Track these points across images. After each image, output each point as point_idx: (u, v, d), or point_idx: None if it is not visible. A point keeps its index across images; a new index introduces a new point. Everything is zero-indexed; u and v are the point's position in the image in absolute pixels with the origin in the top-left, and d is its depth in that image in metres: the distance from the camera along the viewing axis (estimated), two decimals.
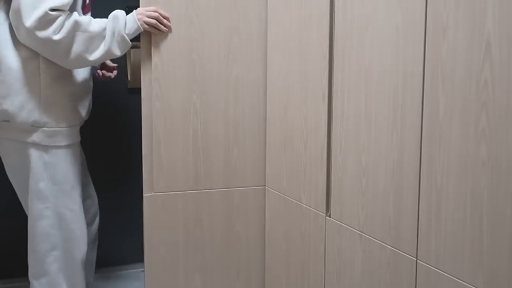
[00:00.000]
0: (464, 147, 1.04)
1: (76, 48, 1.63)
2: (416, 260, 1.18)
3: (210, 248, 1.79)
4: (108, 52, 1.66)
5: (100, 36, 1.65)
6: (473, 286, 1.04)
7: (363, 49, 1.31)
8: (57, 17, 1.58)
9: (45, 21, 1.57)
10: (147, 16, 1.65)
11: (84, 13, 1.78)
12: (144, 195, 1.70)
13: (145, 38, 1.68)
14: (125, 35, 1.65)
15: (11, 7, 1.61)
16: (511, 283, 0.96)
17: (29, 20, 1.56)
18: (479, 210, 1.02)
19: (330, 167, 1.47)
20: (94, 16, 1.74)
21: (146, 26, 1.65)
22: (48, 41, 1.59)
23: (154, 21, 1.65)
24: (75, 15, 1.63)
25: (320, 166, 1.50)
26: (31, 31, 1.57)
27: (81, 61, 1.66)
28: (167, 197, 1.72)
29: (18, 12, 1.58)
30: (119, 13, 1.67)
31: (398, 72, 1.20)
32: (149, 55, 1.67)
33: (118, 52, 1.67)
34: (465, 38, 1.03)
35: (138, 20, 1.65)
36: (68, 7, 1.61)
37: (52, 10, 1.57)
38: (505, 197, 0.96)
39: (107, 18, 1.67)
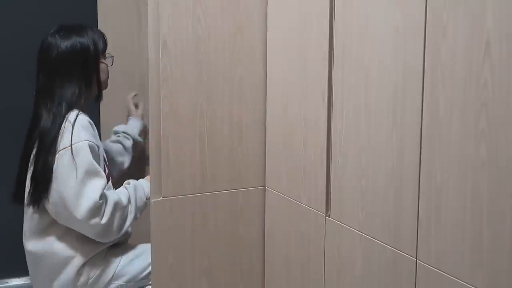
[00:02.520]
0: (464, 147, 1.04)
1: (116, 224, 1.78)
2: (416, 260, 1.18)
3: (216, 250, 1.78)
4: (134, 219, 1.86)
5: (128, 207, 1.83)
6: (473, 286, 1.04)
7: (363, 49, 1.31)
8: (102, 204, 1.72)
9: (94, 210, 1.69)
10: None
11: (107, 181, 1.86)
12: (152, 200, 1.68)
13: (153, 39, 1.66)
14: (146, 200, 1.89)
15: (50, 200, 1.71)
16: (511, 283, 0.96)
17: (80, 211, 1.68)
18: (479, 210, 1.02)
19: (330, 167, 1.47)
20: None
21: None
22: (96, 225, 1.72)
23: None
24: (110, 196, 1.76)
25: (320, 166, 1.50)
26: (83, 221, 1.69)
27: (119, 234, 1.82)
28: (175, 201, 1.71)
29: (63, 204, 1.69)
30: (137, 184, 1.91)
31: (397, 72, 1.20)
32: (158, 55, 1.64)
33: (139, 215, 1.89)
34: (465, 38, 1.03)
35: None
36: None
37: (101, 197, 1.71)
38: (505, 197, 0.96)
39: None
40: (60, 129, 1.73)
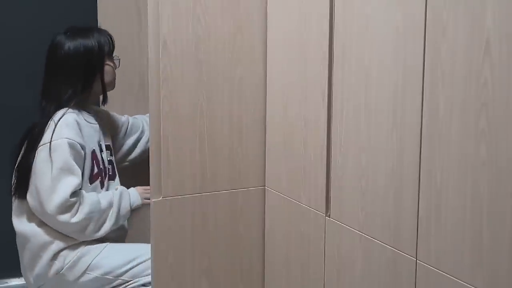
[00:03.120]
0: (464, 147, 1.04)
1: (91, 227, 1.80)
2: (416, 260, 1.18)
3: (216, 250, 1.78)
4: (114, 225, 1.86)
5: (108, 212, 1.84)
6: (473, 286, 1.04)
7: (363, 49, 1.31)
8: (74, 203, 1.73)
9: (65, 207, 1.71)
10: (146, 193, 1.93)
11: (93, 181, 1.88)
12: (152, 200, 1.68)
13: (153, 39, 1.66)
14: (130, 208, 1.92)
15: (28, 193, 1.77)
16: (511, 283, 0.96)
17: (50, 205, 1.71)
18: (479, 210, 1.02)
19: (329, 167, 1.47)
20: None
21: (146, 201, 1.91)
22: (66, 223, 1.74)
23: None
24: (87, 198, 1.78)
25: (320, 166, 1.50)
26: (52, 216, 1.72)
27: (93, 236, 1.83)
28: (175, 201, 1.70)
29: (37, 197, 1.73)
30: (123, 191, 1.93)
31: (397, 72, 1.20)
32: (158, 55, 1.64)
33: (121, 222, 1.90)
34: (465, 37, 1.03)
35: (140, 195, 1.96)
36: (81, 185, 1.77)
37: (71, 195, 1.73)
38: (505, 197, 0.96)
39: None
40: (46, 126, 1.77)
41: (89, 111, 1.94)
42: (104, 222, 1.83)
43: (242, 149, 1.78)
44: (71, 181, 1.74)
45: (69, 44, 1.85)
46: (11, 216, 1.89)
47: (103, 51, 1.91)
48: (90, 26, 1.95)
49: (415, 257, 1.18)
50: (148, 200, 1.80)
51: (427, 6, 1.11)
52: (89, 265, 1.82)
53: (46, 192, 1.71)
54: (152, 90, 1.65)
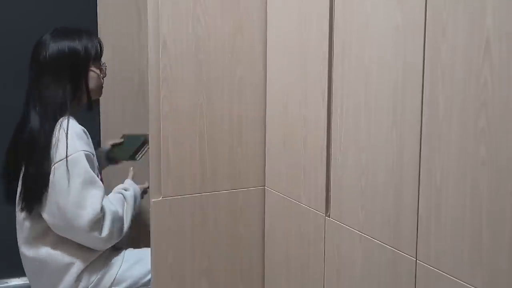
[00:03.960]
0: (463, 147, 1.04)
1: (115, 236, 1.80)
2: (416, 260, 1.18)
3: (216, 251, 1.78)
4: (129, 226, 1.86)
5: (124, 217, 1.84)
6: (472, 286, 1.04)
7: (362, 48, 1.31)
8: (103, 216, 1.72)
9: (95, 221, 1.69)
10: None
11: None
12: (152, 200, 1.67)
13: (153, 39, 1.66)
14: (137, 201, 1.95)
15: (46, 210, 1.70)
16: (510, 283, 0.96)
17: (81, 222, 1.67)
18: (479, 209, 1.02)
19: (329, 167, 1.47)
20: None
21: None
22: (96, 238, 1.72)
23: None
24: (107, 209, 1.75)
25: (320, 166, 1.50)
26: (84, 231, 1.68)
27: (115, 242, 1.82)
28: (175, 201, 1.70)
29: (62, 215, 1.68)
30: (136, 192, 1.96)
31: (397, 71, 1.20)
32: (158, 55, 1.64)
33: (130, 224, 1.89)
34: (464, 37, 1.03)
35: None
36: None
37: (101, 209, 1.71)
38: (505, 197, 0.96)
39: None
40: (52, 135, 1.70)
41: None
42: (123, 228, 1.82)
43: (242, 148, 1.78)
44: (98, 193, 1.70)
45: (54, 46, 1.78)
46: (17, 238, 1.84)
47: (89, 55, 1.83)
48: (79, 28, 1.86)
49: (414, 257, 1.18)
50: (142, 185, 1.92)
51: (427, 5, 1.11)
52: (114, 279, 1.82)
53: (74, 208, 1.66)
54: (152, 90, 1.65)
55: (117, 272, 1.83)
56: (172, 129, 1.67)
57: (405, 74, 1.18)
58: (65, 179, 1.67)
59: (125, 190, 1.92)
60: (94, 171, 1.74)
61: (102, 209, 1.72)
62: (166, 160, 1.67)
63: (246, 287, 1.85)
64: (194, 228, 1.74)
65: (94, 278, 1.79)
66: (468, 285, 1.05)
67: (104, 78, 1.93)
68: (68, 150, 1.67)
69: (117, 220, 1.78)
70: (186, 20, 1.66)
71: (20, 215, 1.79)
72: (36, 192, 1.70)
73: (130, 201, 1.88)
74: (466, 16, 1.02)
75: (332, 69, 1.44)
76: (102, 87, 1.93)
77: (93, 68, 1.86)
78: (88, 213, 1.66)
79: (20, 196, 1.75)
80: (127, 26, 2.36)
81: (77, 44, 1.80)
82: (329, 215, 1.48)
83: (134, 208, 1.91)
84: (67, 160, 1.66)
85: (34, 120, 1.73)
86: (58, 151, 1.68)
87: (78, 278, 1.76)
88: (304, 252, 1.60)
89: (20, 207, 1.75)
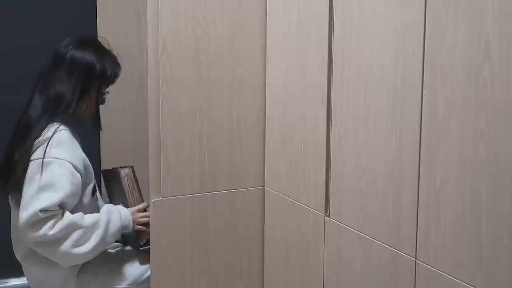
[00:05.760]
0: (463, 147, 1.04)
1: (68, 245, 1.64)
2: (415, 260, 1.18)
3: (215, 250, 1.78)
4: (101, 243, 1.68)
5: (93, 230, 1.67)
6: (472, 286, 1.04)
7: (362, 49, 1.31)
8: (48, 218, 1.60)
9: (35, 221, 1.59)
10: (140, 218, 1.76)
11: (94, 194, 1.78)
12: (152, 200, 1.67)
13: (152, 39, 1.65)
14: (120, 226, 1.71)
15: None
16: (510, 283, 0.96)
17: (21, 218, 1.60)
18: (478, 210, 1.02)
19: (329, 167, 1.47)
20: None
21: (138, 226, 1.76)
22: (35, 237, 1.61)
23: (146, 221, 1.75)
24: (70, 215, 1.64)
25: (319, 166, 1.50)
26: (23, 230, 1.60)
27: (72, 251, 1.65)
28: (175, 201, 1.70)
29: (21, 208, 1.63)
30: (112, 207, 1.75)
31: (397, 72, 1.20)
32: (157, 55, 1.65)
33: (110, 241, 1.72)
34: (464, 38, 1.03)
35: (133, 219, 1.75)
36: (57, 207, 1.61)
37: (42, 210, 1.58)
38: (504, 197, 0.96)
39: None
40: (39, 136, 1.67)
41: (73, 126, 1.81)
42: (87, 241, 1.67)
43: (242, 149, 1.78)
44: (47, 196, 1.61)
45: (75, 53, 1.75)
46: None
47: (103, 75, 1.77)
48: (104, 48, 1.83)
49: (414, 257, 1.18)
50: (141, 227, 1.75)
51: (427, 7, 1.12)
52: (115, 278, 1.80)
53: (24, 206, 1.61)
54: (152, 90, 1.65)
55: (118, 270, 1.82)
56: (171, 129, 1.67)
57: (405, 75, 1.18)
58: (31, 178, 1.64)
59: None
60: (72, 179, 1.66)
61: (51, 211, 1.61)
62: (166, 160, 1.67)
63: (246, 286, 1.85)
64: (193, 228, 1.74)
65: (95, 278, 1.79)
66: (467, 285, 1.05)
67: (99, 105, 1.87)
68: (45, 153, 1.63)
69: (77, 228, 1.66)
70: (185, 21, 1.66)
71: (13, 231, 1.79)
72: (13, 180, 1.68)
73: (104, 216, 1.72)
74: (466, 17, 1.02)
75: (331, 69, 1.44)
76: (98, 110, 1.88)
77: (103, 90, 1.83)
78: (27, 212, 1.60)
79: None
80: (126, 26, 2.36)
81: (96, 59, 1.76)
82: (329, 215, 1.49)
83: (112, 225, 1.72)
84: (42, 162, 1.63)
85: (35, 110, 1.73)
86: (37, 152, 1.66)
87: (81, 281, 1.76)
88: (303, 251, 1.60)
89: None
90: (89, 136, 1.88)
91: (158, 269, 1.70)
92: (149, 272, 1.80)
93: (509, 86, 0.94)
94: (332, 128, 1.45)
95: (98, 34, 2.29)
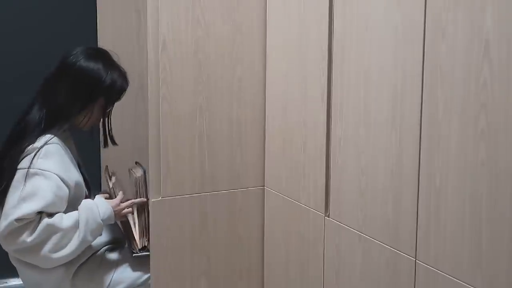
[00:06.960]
0: (463, 148, 1.04)
1: (48, 246, 1.62)
2: (415, 260, 1.18)
3: (214, 250, 1.78)
4: (82, 242, 1.66)
5: (73, 228, 1.65)
6: (472, 286, 1.04)
7: (362, 50, 1.31)
8: (23, 226, 1.59)
9: (10, 230, 1.58)
10: (123, 209, 1.72)
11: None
12: (152, 200, 1.67)
13: (152, 39, 1.64)
14: (101, 221, 1.67)
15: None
16: (509, 283, 0.96)
17: (0, 226, 1.60)
18: (478, 210, 1.02)
19: (329, 167, 1.47)
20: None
21: (123, 218, 1.74)
22: (20, 247, 1.61)
23: (130, 209, 1.73)
24: (44, 218, 1.61)
25: (319, 166, 1.50)
26: (1, 240, 1.61)
27: (54, 256, 1.64)
28: (174, 201, 1.70)
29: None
30: (89, 203, 1.69)
31: (397, 73, 1.20)
32: (157, 55, 1.64)
33: (91, 239, 1.68)
34: (464, 38, 1.03)
35: (116, 211, 1.71)
36: (34, 215, 1.59)
37: (18, 220, 1.58)
38: (504, 198, 0.96)
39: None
40: (30, 145, 1.65)
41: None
42: (68, 242, 1.65)
43: (242, 149, 1.78)
44: (26, 207, 1.59)
45: (84, 63, 1.71)
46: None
47: (109, 90, 1.73)
48: (115, 63, 1.78)
49: (414, 257, 1.18)
50: (127, 210, 1.72)
51: (427, 7, 1.12)
52: (110, 282, 1.77)
53: (5, 214, 1.60)
54: (151, 90, 1.65)
55: (113, 274, 1.81)
56: (171, 129, 1.67)
57: (405, 75, 1.18)
58: (15, 187, 1.62)
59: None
60: (57, 191, 1.64)
61: (24, 219, 1.59)
62: (166, 160, 1.67)
63: (246, 286, 1.85)
64: (193, 228, 1.74)
65: (90, 281, 1.77)
66: (467, 285, 1.05)
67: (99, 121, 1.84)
68: (31, 163, 1.61)
69: (54, 231, 1.64)
70: (185, 21, 1.66)
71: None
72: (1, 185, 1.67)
73: (83, 214, 1.69)
74: (466, 17, 1.02)
75: (331, 69, 1.44)
76: (95, 125, 1.84)
77: (109, 107, 1.80)
78: (5, 224, 1.59)
79: None
80: (126, 26, 2.36)
81: (104, 73, 1.72)
82: (329, 215, 1.49)
83: (91, 221, 1.67)
84: (27, 172, 1.60)
85: (33, 118, 1.72)
86: (24, 161, 1.64)
87: (74, 284, 1.75)
88: (303, 252, 1.60)
89: None
90: (89, 136, 1.88)
91: (158, 269, 1.70)
92: (145, 276, 1.79)
93: (509, 86, 0.94)
94: (332, 128, 1.45)
95: (98, 34, 2.30)
